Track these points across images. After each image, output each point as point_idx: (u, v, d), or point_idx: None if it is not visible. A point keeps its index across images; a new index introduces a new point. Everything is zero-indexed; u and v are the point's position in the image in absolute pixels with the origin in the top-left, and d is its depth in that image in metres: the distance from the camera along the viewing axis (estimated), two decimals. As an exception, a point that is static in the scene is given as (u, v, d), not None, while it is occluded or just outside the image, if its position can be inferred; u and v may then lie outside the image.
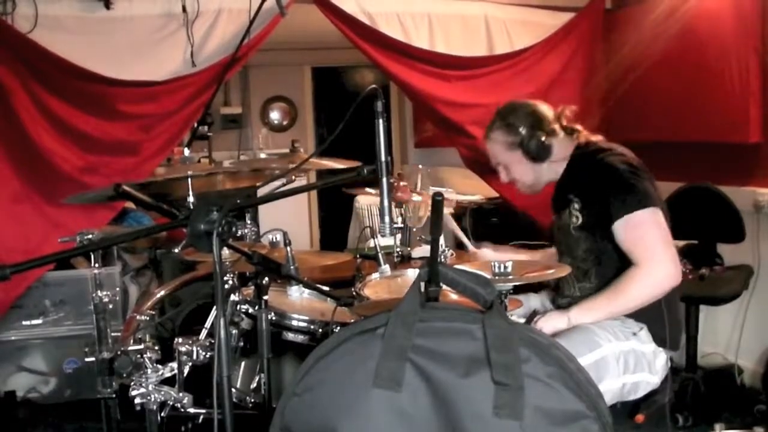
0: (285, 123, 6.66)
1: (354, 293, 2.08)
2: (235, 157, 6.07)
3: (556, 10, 3.69)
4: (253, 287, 1.76)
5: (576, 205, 2.02)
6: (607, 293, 1.90)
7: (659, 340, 1.96)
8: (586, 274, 2.03)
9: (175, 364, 1.75)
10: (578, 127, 2.13)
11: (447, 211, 2.64)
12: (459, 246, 2.58)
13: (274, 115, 6.63)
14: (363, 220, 4.75)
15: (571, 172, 2.10)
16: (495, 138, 2.17)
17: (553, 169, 2.13)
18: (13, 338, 3.12)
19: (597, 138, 2.12)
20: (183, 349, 1.76)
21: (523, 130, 2.09)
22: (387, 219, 1.43)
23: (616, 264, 1.94)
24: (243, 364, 2.09)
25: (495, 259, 2.27)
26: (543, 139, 2.07)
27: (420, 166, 2.48)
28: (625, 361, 1.89)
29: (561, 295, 2.16)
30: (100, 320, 1.84)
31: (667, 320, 1.92)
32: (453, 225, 2.60)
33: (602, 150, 2.02)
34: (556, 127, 2.11)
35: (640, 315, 1.94)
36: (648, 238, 1.86)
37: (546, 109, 2.14)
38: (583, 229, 2.01)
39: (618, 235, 1.89)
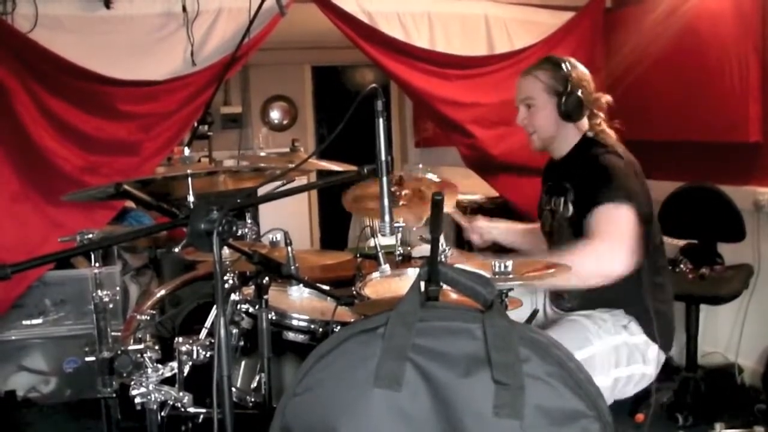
0: (285, 122, 6.65)
1: (354, 292, 2.08)
2: (235, 157, 6.06)
3: (556, 9, 3.69)
4: (253, 287, 1.76)
5: (571, 196, 2.01)
6: (552, 257, 1.80)
7: (649, 335, 1.96)
8: None
9: (175, 364, 1.75)
10: (601, 114, 2.09)
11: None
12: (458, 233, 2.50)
13: (275, 115, 6.62)
14: (363, 220, 4.74)
15: (573, 160, 2.08)
16: (539, 76, 2.06)
17: (565, 139, 2.09)
18: (13, 338, 3.12)
19: (611, 133, 2.09)
20: (183, 348, 1.76)
21: (570, 81, 2.01)
22: (387, 218, 1.42)
23: None
24: (243, 363, 2.08)
25: (491, 228, 2.26)
26: (582, 98, 2.01)
27: (420, 166, 2.46)
28: (617, 356, 1.88)
29: (555, 294, 2.16)
30: (100, 320, 1.84)
31: (654, 317, 1.91)
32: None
33: (605, 148, 2.00)
34: (591, 103, 2.07)
35: (629, 309, 1.93)
36: (611, 225, 1.83)
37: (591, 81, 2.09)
38: (573, 223, 2.00)
39: (587, 220, 1.87)
